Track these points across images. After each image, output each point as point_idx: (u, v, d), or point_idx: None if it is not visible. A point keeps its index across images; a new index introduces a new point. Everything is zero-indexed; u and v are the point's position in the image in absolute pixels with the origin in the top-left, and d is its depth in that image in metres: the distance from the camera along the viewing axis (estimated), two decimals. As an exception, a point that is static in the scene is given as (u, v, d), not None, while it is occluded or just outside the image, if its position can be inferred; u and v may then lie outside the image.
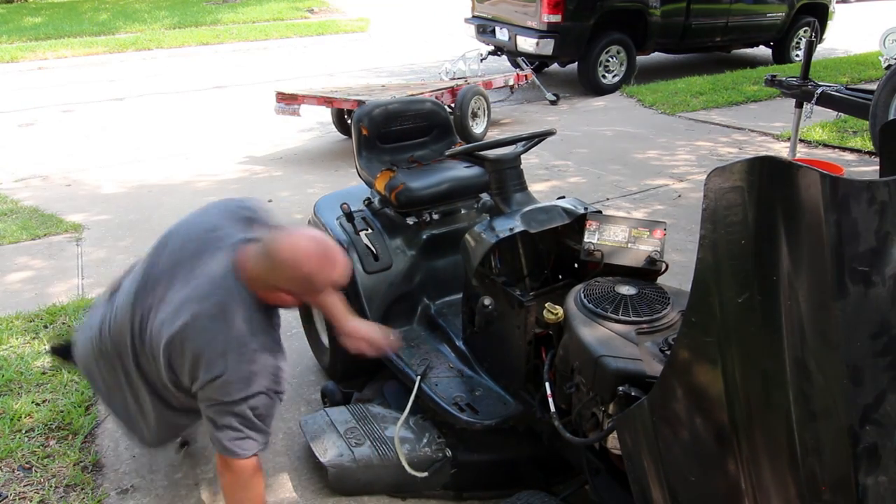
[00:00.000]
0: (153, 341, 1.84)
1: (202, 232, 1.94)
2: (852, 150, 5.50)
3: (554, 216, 2.04)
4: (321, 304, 2.15)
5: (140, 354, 1.90)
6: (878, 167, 1.61)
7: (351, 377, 2.67)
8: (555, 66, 8.73)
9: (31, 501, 2.16)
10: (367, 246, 2.50)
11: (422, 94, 5.53)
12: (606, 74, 7.84)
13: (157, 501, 2.18)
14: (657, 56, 9.09)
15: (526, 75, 6.98)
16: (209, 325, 1.76)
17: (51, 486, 2.21)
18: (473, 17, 8.62)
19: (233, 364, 1.75)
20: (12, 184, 5.25)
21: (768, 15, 8.71)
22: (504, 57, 8.48)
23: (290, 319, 3.16)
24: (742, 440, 1.19)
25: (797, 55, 9.05)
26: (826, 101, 4.61)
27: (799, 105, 4.74)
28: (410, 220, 2.57)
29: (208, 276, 1.83)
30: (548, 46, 7.40)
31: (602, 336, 1.64)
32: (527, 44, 7.52)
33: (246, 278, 1.82)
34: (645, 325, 1.66)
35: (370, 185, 2.65)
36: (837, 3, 9.80)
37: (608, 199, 4.64)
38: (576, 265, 2.11)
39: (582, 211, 2.05)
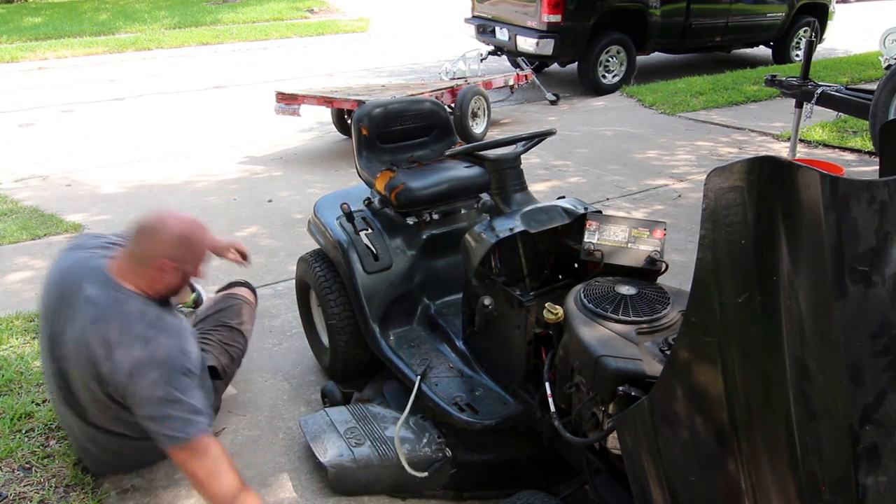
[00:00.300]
0: (76, 374, 1.98)
1: (65, 274, 2.08)
2: (852, 150, 5.50)
3: (554, 216, 2.04)
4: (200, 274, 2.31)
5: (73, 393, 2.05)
6: (878, 167, 1.61)
7: (351, 377, 2.67)
8: (555, 66, 8.73)
9: (31, 501, 2.16)
10: (367, 246, 2.50)
11: (422, 94, 5.53)
12: (606, 74, 7.84)
13: (156, 501, 2.18)
14: (657, 56, 9.09)
15: (526, 75, 6.98)
16: (111, 334, 1.89)
17: (51, 486, 2.21)
18: (473, 17, 8.62)
19: (139, 355, 1.87)
20: (12, 184, 5.25)
21: (768, 15, 8.71)
22: (504, 57, 8.48)
23: (290, 319, 3.17)
24: (742, 440, 1.19)
25: (797, 55, 9.05)
26: (826, 101, 4.61)
27: (799, 105, 4.74)
28: (410, 220, 2.57)
29: (91, 299, 1.95)
30: (548, 46, 7.40)
31: (602, 336, 1.64)
32: (527, 44, 7.52)
33: (125, 278, 1.96)
34: (645, 325, 1.66)
35: (370, 185, 2.66)
36: (837, 3, 9.80)
37: (608, 199, 4.64)
38: (576, 265, 2.11)
39: (582, 211, 2.05)
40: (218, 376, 2.40)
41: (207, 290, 3.02)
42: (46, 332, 2.09)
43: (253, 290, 2.81)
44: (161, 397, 1.86)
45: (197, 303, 2.95)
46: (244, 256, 2.71)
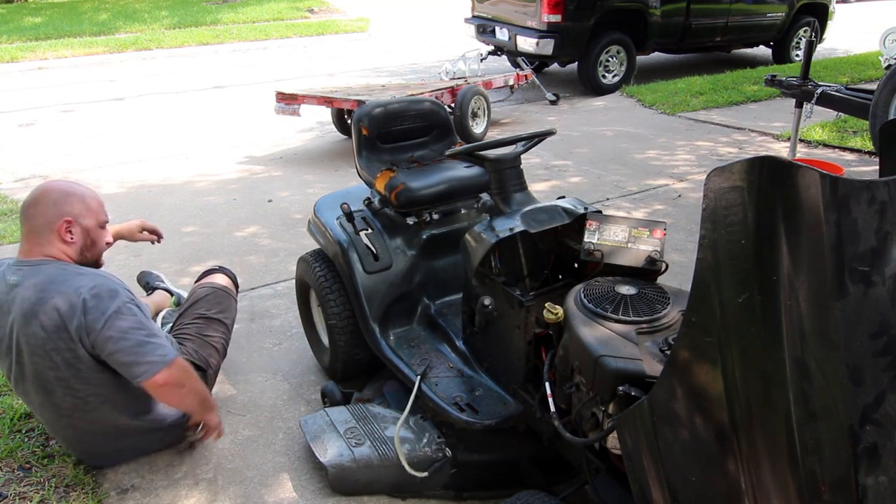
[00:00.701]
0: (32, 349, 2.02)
1: None
2: (852, 150, 5.50)
3: (554, 216, 2.04)
4: (116, 236, 2.42)
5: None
6: (878, 167, 1.61)
7: (351, 377, 2.67)
8: (555, 66, 8.73)
9: (31, 501, 2.16)
10: (367, 246, 2.50)
11: (422, 94, 5.53)
12: (606, 74, 7.84)
13: (156, 501, 2.18)
14: (657, 56, 9.09)
15: (526, 75, 6.98)
16: (55, 299, 1.96)
17: (51, 486, 2.21)
18: (473, 17, 8.62)
19: (87, 297, 1.95)
20: (12, 184, 5.25)
21: (768, 15, 8.71)
22: (504, 57, 8.48)
23: (290, 319, 3.17)
24: (742, 440, 1.19)
25: (797, 55, 9.05)
26: (826, 101, 4.61)
27: (799, 105, 4.74)
28: (410, 220, 2.57)
29: (15, 283, 2.02)
30: (548, 46, 7.40)
31: (602, 336, 1.64)
32: (527, 44, 7.52)
33: (35, 254, 2.03)
34: (645, 325, 1.66)
35: (370, 185, 2.65)
36: (837, 3, 9.80)
37: (608, 199, 4.64)
38: (576, 265, 2.11)
39: (582, 211, 2.05)
40: (200, 368, 2.40)
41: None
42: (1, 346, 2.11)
43: (230, 275, 2.80)
44: (130, 326, 1.97)
45: (178, 304, 2.94)
46: (155, 234, 2.74)
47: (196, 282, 2.79)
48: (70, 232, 2.05)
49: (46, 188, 2.07)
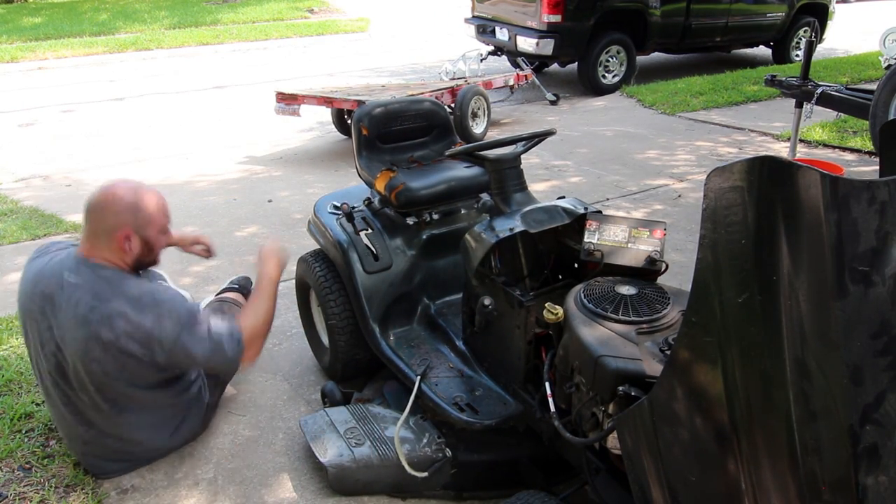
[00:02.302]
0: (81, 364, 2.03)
1: (37, 276, 2.12)
2: (852, 150, 5.50)
3: (554, 216, 2.04)
4: (170, 242, 2.37)
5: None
6: (878, 167, 1.61)
7: (351, 377, 2.67)
8: (555, 66, 8.73)
9: (31, 501, 2.16)
10: (367, 246, 2.50)
11: (422, 94, 5.53)
12: (606, 74, 7.84)
13: (156, 501, 2.18)
14: (657, 56, 9.09)
15: (526, 75, 6.98)
16: (121, 307, 1.97)
17: (51, 486, 2.21)
18: (473, 17, 8.62)
19: (162, 311, 2.00)
20: (13, 184, 5.25)
21: (768, 15, 8.71)
22: (504, 57, 8.48)
23: (290, 319, 3.16)
24: (742, 440, 1.19)
25: (797, 55, 9.05)
26: (826, 101, 4.61)
27: (799, 105, 4.73)
28: (410, 220, 2.57)
29: (75, 284, 2.01)
30: (548, 46, 7.40)
31: (602, 336, 1.64)
32: (527, 44, 7.52)
33: (96, 256, 2.03)
34: (645, 325, 1.66)
35: (370, 185, 2.65)
36: (837, 3, 9.80)
37: (608, 199, 4.64)
38: (576, 265, 2.11)
39: (582, 211, 2.05)
40: (239, 292, 2.50)
41: (208, 290, 3.02)
42: (35, 336, 2.12)
43: (246, 294, 2.82)
44: (198, 338, 2.02)
45: None
46: (209, 251, 2.69)
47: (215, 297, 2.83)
48: (129, 242, 2.04)
49: (111, 194, 2.03)
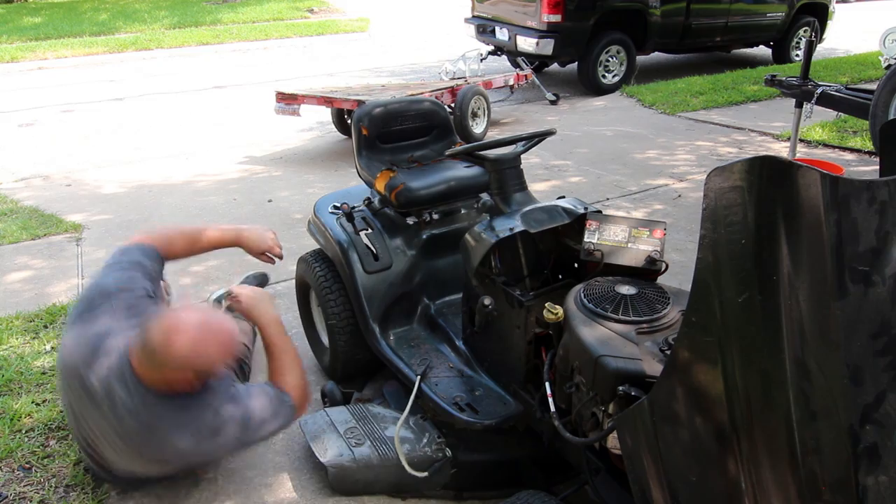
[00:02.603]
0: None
1: (93, 334, 1.94)
2: (852, 150, 5.50)
3: (554, 216, 2.04)
4: (235, 241, 2.36)
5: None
6: (878, 167, 1.61)
7: (351, 377, 2.67)
8: (555, 66, 8.73)
9: (31, 501, 2.16)
10: (367, 246, 2.50)
11: (422, 94, 5.52)
12: (606, 74, 7.84)
13: (157, 501, 2.18)
14: (657, 56, 9.09)
15: (526, 75, 6.98)
16: (182, 441, 1.90)
17: (51, 486, 2.21)
18: (473, 17, 8.62)
19: (218, 435, 1.94)
20: (12, 184, 5.25)
21: (768, 15, 8.71)
22: (504, 57, 8.47)
23: (290, 319, 3.16)
24: (742, 440, 1.19)
25: (797, 55, 9.05)
26: (826, 101, 4.61)
27: (799, 105, 4.73)
28: (410, 220, 2.57)
29: (125, 406, 1.85)
30: (548, 46, 7.40)
31: (602, 336, 1.64)
32: (527, 44, 7.52)
33: (145, 377, 1.84)
34: (645, 325, 1.66)
35: (370, 185, 2.65)
36: (837, 3, 9.80)
37: (608, 199, 4.64)
38: (576, 265, 2.11)
39: (582, 211, 2.05)
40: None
41: (209, 289, 3.01)
42: (70, 402, 2.01)
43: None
44: (263, 419, 2.00)
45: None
46: (278, 257, 2.55)
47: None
48: (183, 381, 1.86)
49: (168, 346, 1.76)
